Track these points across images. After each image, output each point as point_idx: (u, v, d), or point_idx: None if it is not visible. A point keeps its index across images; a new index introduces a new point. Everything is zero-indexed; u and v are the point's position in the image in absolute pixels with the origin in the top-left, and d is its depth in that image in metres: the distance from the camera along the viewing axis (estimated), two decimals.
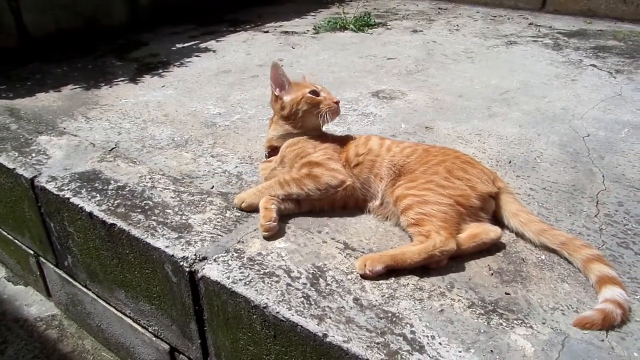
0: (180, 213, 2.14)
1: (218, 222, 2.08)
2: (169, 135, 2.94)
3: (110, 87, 3.80)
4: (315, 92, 2.20)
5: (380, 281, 1.76)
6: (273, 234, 1.93)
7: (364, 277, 1.75)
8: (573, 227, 2.10)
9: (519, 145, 2.83)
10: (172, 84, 3.83)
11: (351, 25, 5.44)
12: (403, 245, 1.88)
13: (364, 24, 5.52)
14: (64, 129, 3.06)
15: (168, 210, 2.16)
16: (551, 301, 1.71)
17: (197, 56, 4.52)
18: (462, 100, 3.46)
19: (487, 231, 1.91)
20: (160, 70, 4.14)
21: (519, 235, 2.00)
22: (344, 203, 2.12)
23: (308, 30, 5.44)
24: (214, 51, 4.68)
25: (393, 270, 1.78)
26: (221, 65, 4.25)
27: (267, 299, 1.68)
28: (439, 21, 5.87)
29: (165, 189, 2.33)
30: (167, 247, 1.94)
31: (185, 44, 4.91)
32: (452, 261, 1.86)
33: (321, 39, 5.10)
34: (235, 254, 1.89)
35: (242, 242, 1.93)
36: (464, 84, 3.78)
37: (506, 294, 1.75)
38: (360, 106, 3.37)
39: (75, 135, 2.95)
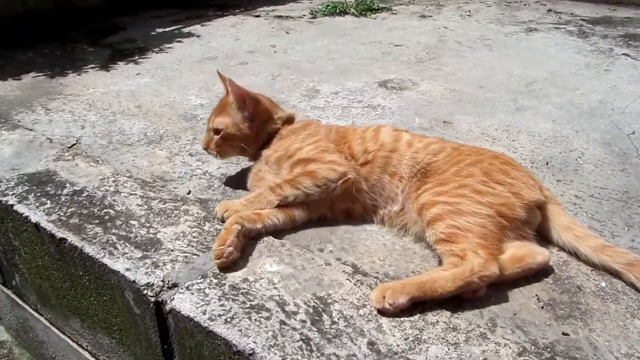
0: (148, 225, 1.82)
1: (194, 237, 1.76)
2: (140, 130, 2.65)
3: (78, 74, 3.50)
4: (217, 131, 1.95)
5: (402, 318, 1.42)
6: (228, 264, 1.59)
7: (382, 312, 1.41)
8: (634, 244, 1.78)
9: (555, 143, 2.52)
10: (148, 71, 3.55)
11: (352, 10, 5.14)
12: (431, 270, 1.54)
13: (366, 8, 5.22)
14: (18, 121, 2.74)
15: (132, 222, 1.84)
16: (622, 344, 1.39)
17: (178, 42, 4.23)
18: (483, 92, 3.17)
19: (534, 253, 1.58)
20: (137, 57, 3.84)
21: (572, 253, 1.68)
22: (347, 210, 1.80)
23: (304, 15, 5.14)
24: (198, 36, 4.38)
25: (418, 303, 1.44)
26: (206, 52, 3.95)
27: (255, 342, 1.34)
28: (449, 6, 5.58)
29: (132, 194, 2.01)
30: (127, 269, 1.62)
31: (167, 29, 4.61)
32: (491, 289, 1.53)
33: (319, 24, 4.79)
34: (214, 280, 1.56)
35: None
36: (483, 73, 3.50)
37: (564, 334, 1.42)
38: (366, 97, 3.07)
39: (31, 130, 2.63)
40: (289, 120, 2.04)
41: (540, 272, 1.62)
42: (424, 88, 3.23)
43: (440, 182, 1.65)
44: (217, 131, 1.96)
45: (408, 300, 1.41)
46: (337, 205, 1.82)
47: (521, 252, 1.57)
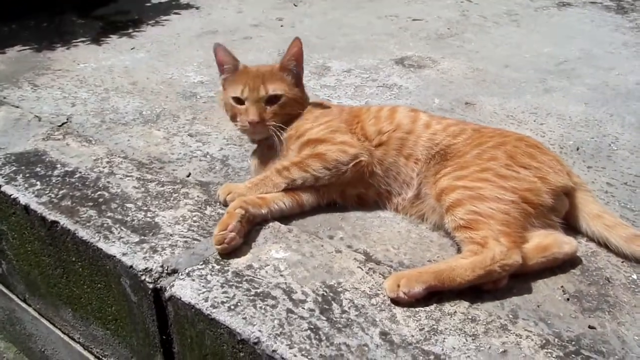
0: (145, 209, 1.88)
1: (195, 221, 1.82)
2: (136, 108, 2.72)
3: (67, 48, 3.57)
4: (239, 100, 1.96)
5: (417, 308, 1.47)
6: (230, 251, 1.65)
7: (396, 301, 1.47)
8: None
9: (586, 127, 2.56)
10: (143, 46, 3.61)
11: None
12: (450, 259, 1.59)
13: None
14: (4, 98, 2.81)
15: (129, 205, 1.90)
16: None
17: (176, 14, 4.29)
18: (509, 71, 3.22)
19: (560, 243, 1.62)
20: (131, 30, 3.91)
21: (601, 243, 1.73)
22: (359, 196, 1.86)
23: None
24: (197, 8, 4.45)
25: (434, 293, 1.49)
26: (206, 25, 4.01)
27: (260, 331, 1.40)
28: None
29: (127, 176, 2.07)
30: (124, 254, 1.67)
31: (164, 0, 4.65)
32: (513, 280, 1.58)
33: None
34: (217, 266, 1.62)
35: None
36: (509, 51, 3.54)
37: (590, 327, 1.47)
38: (380, 76, 3.11)
39: (17, 107, 2.69)
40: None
41: (567, 263, 1.66)
42: (445, 66, 3.26)
43: (461, 166, 1.69)
44: (274, 98, 1.93)
45: (424, 289, 1.46)
46: (348, 191, 1.87)
47: (546, 241, 1.61)
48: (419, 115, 1.93)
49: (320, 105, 2.07)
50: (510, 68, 3.26)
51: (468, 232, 1.56)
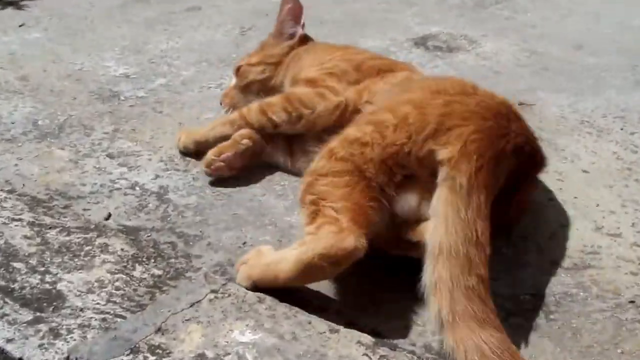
0: (42, 270, 1.91)
1: (117, 288, 1.85)
2: (27, 116, 2.77)
3: None
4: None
5: None
6: (215, 178, 2.37)
7: None
8: None
9: None
10: (39, 21, 3.68)
11: None
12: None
13: None
14: None
15: (17, 265, 1.93)
16: None
17: None
18: (582, 55, 3.30)
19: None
20: None
21: None
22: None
23: None
24: None
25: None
26: None
27: None
28: None
29: (14, 219, 2.11)
30: (9, 341, 1.68)
31: None
32: None
33: None
34: (152, 357, 1.63)
35: (166, 330, 1.72)
36: (583, 25, 3.63)
37: None
38: None
39: None
40: None
41: None
42: (488, 49, 3.33)
43: None
44: None
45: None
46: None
47: None
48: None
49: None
50: (584, 50, 3.33)
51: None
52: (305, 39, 2.77)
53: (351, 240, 1.74)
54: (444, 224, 1.71)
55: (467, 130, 1.84)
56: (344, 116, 2.30)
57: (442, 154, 1.82)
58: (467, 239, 1.69)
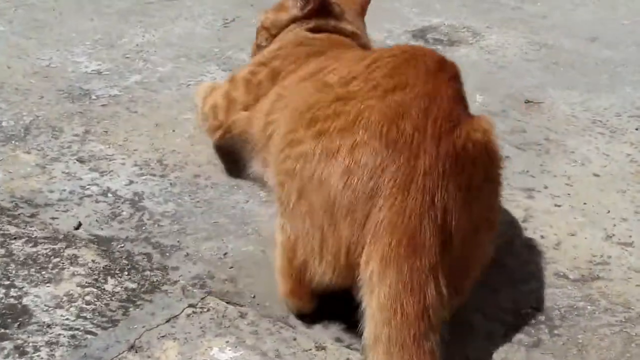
0: (7, 283, 1.92)
1: (88, 302, 1.86)
2: None
3: None
4: None
5: None
6: None
7: None
8: None
9: None
10: (2, 12, 3.68)
11: None
12: None
13: None
14: None
15: None
16: None
17: None
18: (596, 48, 3.32)
19: None
20: None
21: None
22: None
23: None
24: None
25: None
26: None
27: None
28: None
29: None
30: None
31: None
32: None
33: None
34: None
35: (140, 347, 1.75)
36: (597, 15, 3.65)
37: None
38: None
39: None
40: None
41: None
42: (493, 41, 3.35)
43: None
44: None
45: None
46: None
47: None
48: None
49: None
50: (598, 42, 3.35)
51: None
52: (321, 14, 2.55)
53: None
54: None
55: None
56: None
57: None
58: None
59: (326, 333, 1.80)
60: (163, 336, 1.76)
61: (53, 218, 2.20)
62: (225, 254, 2.09)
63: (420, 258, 1.61)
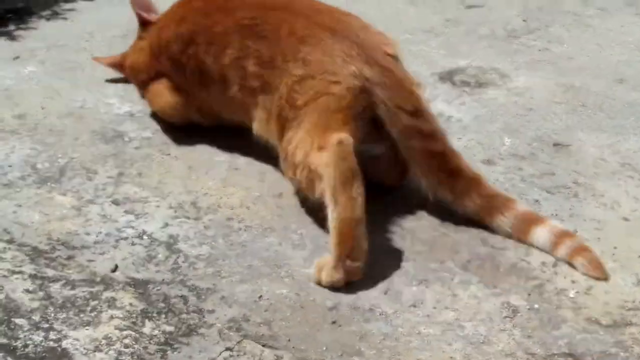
0: (46, 327, 1.97)
1: (127, 345, 1.91)
2: (25, 159, 2.80)
3: None
4: None
5: None
6: None
7: None
8: None
9: None
10: (34, 53, 3.70)
11: None
12: None
13: None
14: None
15: (18, 321, 1.99)
16: None
17: None
18: (624, 90, 3.33)
19: None
20: (12, 27, 4.01)
21: None
22: None
23: None
24: None
25: None
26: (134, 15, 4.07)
27: None
28: None
29: (15, 272, 2.17)
30: None
31: None
32: None
33: None
34: None
35: None
36: (625, 56, 3.66)
37: None
38: None
39: None
40: None
41: None
42: (520, 83, 3.36)
43: None
44: None
45: None
46: None
47: None
48: None
49: None
50: (626, 84, 3.35)
51: None
52: None
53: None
54: None
55: None
56: None
57: None
58: None
59: None
60: None
61: (90, 260, 2.24)
62: (260, 296, 2.11)
63: None
